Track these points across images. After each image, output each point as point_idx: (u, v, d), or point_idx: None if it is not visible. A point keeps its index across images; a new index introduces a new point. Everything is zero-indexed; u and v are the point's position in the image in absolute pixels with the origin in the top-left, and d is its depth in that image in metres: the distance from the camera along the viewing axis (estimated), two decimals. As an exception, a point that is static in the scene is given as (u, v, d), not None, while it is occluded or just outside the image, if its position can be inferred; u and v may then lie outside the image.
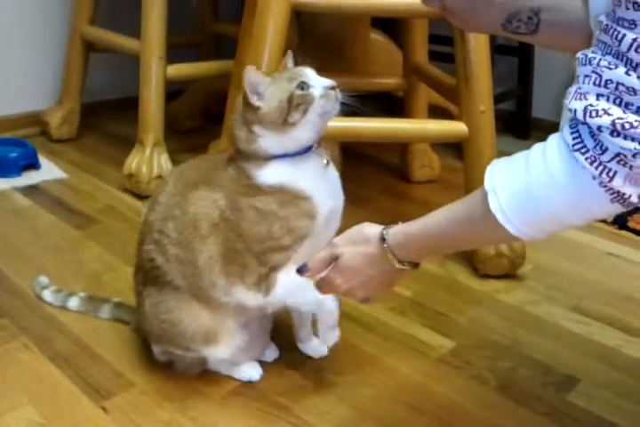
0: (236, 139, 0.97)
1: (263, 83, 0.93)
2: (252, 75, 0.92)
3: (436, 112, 2.04)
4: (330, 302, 1.00)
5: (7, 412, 1.00)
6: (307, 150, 0.97)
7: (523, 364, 1.18)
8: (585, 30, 0.82)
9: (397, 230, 0.92)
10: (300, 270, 0.97)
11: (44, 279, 1.30)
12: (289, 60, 1.01)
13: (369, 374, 1.13)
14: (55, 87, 2.20)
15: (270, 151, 0.95)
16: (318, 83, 0.94)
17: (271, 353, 1.15)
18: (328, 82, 0.95)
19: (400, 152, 2.03)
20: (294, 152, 0.96)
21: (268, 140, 0.95)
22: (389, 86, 1.91)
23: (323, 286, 0.97)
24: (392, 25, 2.23)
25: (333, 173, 1.02)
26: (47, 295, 1.27)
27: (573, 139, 0.69)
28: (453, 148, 2.18)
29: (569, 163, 0.69)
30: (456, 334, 1.26)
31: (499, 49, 2.32)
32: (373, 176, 2.03)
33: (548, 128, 2.50)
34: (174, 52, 1.85)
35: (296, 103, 0.92)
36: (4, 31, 2.09)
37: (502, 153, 2.11)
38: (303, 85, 0.93)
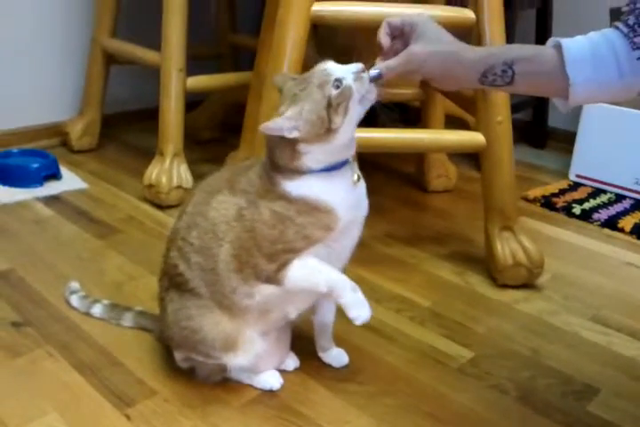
0: (276, 156, 0.95)
1: (285, 122, 0.91)
2: (269, 126, 0.91)
3: (452, 122, 2.06)
4: (344, 278, 0.98)
5: (33, 419, 1.01)
6: (342, 165, 0.97)
7: (542, 373, 1.18)
8: (560, 77, 0.88)
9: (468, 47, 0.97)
10: (374, 78, 0.94)
11: (75, 285, 1.32)
12: (286, 75, 1.00)
13: (389, 383, 1.14)
14: (76, 98, 2.24)
15: (311, 166, 0.95)
16: (345, 72, 0.92)
17: (291, 362, 1.16)
18: (354, 67, 0.92)
19: (416, 162, 2.04)
20: (331, 166, 0.96)
21: (313, 155, 0.94)
22: (406, 97, 1.92)
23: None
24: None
25: (362, 188, 1.02)
26: (74, 300, 1.29)
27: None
28: (470, 157, 2.19)
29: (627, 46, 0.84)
30: (475, 343, 1.26)
31: (515, 59, 2.33)
32: (389, 186, 2.04)
33: (565, 137, 2.51)
34: (193, 64, 1.88)
35: (336, 104, 0.91)
36: (25, 43, 2.12)
37: (519, 163, 2.13)
38: (337, 83, 0.91)
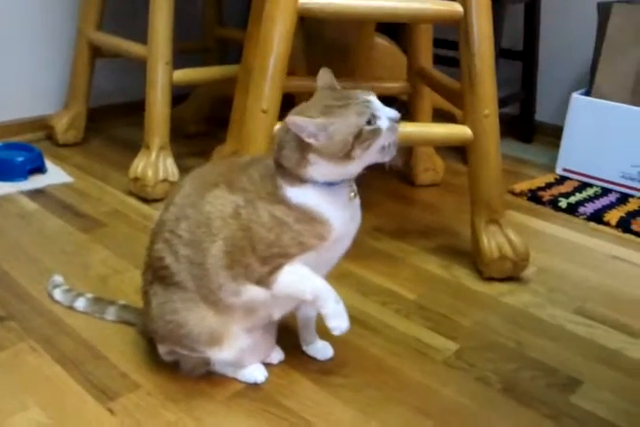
0: (284, 158, 0.95)
1: (312, 124, 0.90)
2: (296, 121, 0.90)
3: (440, 116, 2.06)
4: (329, 290, 0.99)
5: (14, 413, 1.00)
6: (342, 181, 0.98)
7: (526, 366, 1.19)
8: None
9: None
10: None
11: (58, 278, 1.31)
12: (332, 78, 0.99)
13: (374, 376, 1.14)
14: (61, 92, 2.22)
15: (315, 178, 0.95)
16: (384, 114, 0.93)
17: (276, 355, 1.15)
18: (393, 113, 0.94)
19: (404, 156, 2.04)
20: (334, 182, 0.97)
21: (319, 168, 0.94)
22: (394, 90, 1.91)
23: None
24: (397, 29, 2.24)
25: (356, 204, 1.03)
26: (57, 294, 1.28)
27: None
28: (457, 151, 2.19)
29: None
30: (460, 336, 1.26)
31: (503, 53, 2.33)
32: (377, 180, 2.03)
33: (552, 132, 2.53)
34: (180, 58, 1.86)
35: (363, 138, 0.91)
36: (10, 36, 2.11)
37: (506, 157, 2.13)
38: (372, 119, 0.92)
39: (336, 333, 1.00)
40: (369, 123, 0.92)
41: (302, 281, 0.99)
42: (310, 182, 0.96)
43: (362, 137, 0.91)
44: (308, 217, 0.95)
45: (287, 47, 1.32)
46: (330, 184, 0.97)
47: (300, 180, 0.96)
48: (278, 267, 0.97)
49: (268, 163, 0.99)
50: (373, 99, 0.95)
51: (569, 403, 1.10)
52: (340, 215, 0.98)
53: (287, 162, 0.95)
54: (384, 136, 0.93)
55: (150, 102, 1.78)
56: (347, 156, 0.92)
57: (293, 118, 0.90)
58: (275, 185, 0.96)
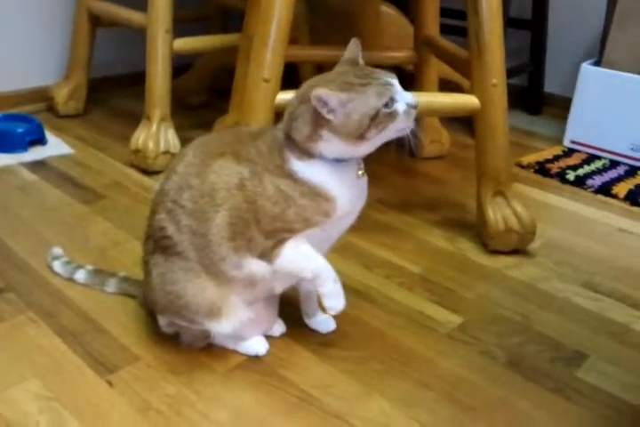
0: (296, 129, 0.93)
1: (335, 99, 0.88)
2: (322, 94, 0.87)
3: (446, 87, 2.01)
4: (329, 270, 0.99)
5: (13, 385, 0.99)
6: (350, 158, 0.97)
7: (532, 339, 1.17)
8: None
9: None
10: None
11: (57, 250, 1.30)
12: (359, 55, 0.97)
13: (376, 349, 1.12)
14: (62, 62, 2.18)
15: (324, 154, 0.93)
16: (403, 98, 0.92)
17: (278, 328, 1.14)
18: (412, 99, 0.93)
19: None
20: (343, 159, 0.95)
21: (330, 145, 0.92)
22: (400, 59, 1.87)
23: None
24: (403, -2, 2.19)
25: (364, 182, 1.01)
26: (57, 266, 1.27)
27: None
28: (462, 123, 2.16)
29: None
30: (464, 309, 1.25)
31: (512, 22, 2.28)
32: (382, 152, 1.99)
33: (560, 103, 2.48)
34: (182, 27, 1.83)
35: (379, 121, 0.90)
36: (9, 6, 2.07)
37: (513, 129, 2.10)
38: (389, 102, 0.90)
39: (332, 312, 1.02)
40: (386, 105, 0.90)
41: (304, 259, 0.99)
42: (318, 158, 0.94)
43: (378, 119, 0.90)
44: (314, 193, 0.94)
45: (289, 13, 1.28)
46: (338, 161, 0.95)
47: (309, 154, 0.94)
48: (282, 241, 0.96)
49: (277, 134, 0.97)
50: (395, 82, 0.93)
51: (574, 377, 1.08)
52: (347, 193, 0.96)
53: (298, 135, 0.93)
54: (399, 120, 0.91)
55: (150, 72, 1.75)
56: (361, 136, 0.91)
57: (319, 91, 0.87)
58: (282, 158, 0.94)
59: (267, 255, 0.97)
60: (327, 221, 0.96)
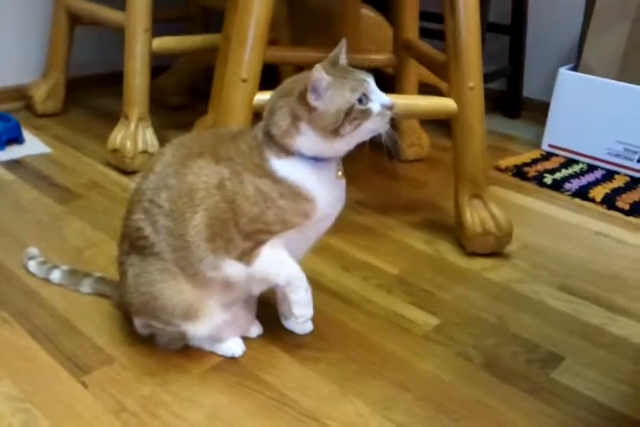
0: (274, 124, 0.93)
1: (325, 82, 0.89)
2: (318, 73, 0.88)
3: (426, 91, 2.02)
4: (302, 278, 1.00)
5: (-15, 386, 0.98)
6: (329, 158, 0.97)
7: (507, 341, 1.18)
8: None
9: None
10: None
11: (33, 250, 1.28)
12: (342, 52, 0.97)
13: (353, 350, 1.12)
14: (40, 61, 2.16)
15: (302, 150, 0.94)
16: (377, 98, 0.92)
17: (255, 329, 1.13)
18: (387, 100, 0.93)
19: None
20: (320, 158, 0.95)
21: (307, 141, 0.92)
22: (379, 62, 1.88)
23: None
24: (383, 0, 2.19)
25: (342, 184, 1.01)
26: (32, 266, 1.25)
27: None
28: (442, 126, 2.16)
29: None
30: (441, 311, 1.25)
31: (491, 27, 2.30)
32: (362, 154, 2.00)
33: (539, 108, 2.50)
34: (162, 27, 1.82)
35: (353, 117, 0.90)
36: (-14, 2, 2.05)
37: (492, 133, 2.11)
38: (363, 98, 0.91)
39: (301, 320, 1.03)
40: (360, 102, 0.90)
41: (279, 264, 0.99)
42: (297, 156, 0.94)
43: (352, 115, 0.90)
44: (294, 193, 0.94)
45: (268, 12, 1.28)
46: (317, 160, 0.95)
47: (287, 151, 0.94)
48: (261, 243, 0.96)
49: (257, 133, 0.97)
50: (370, 80, 0.94)
51: (550, 379, 1.09)
52: (326, 194, 0.96)
53: (276, 129, 0.93)
54: (373, 120, 0.92)
55: (129, 70, 1.74)
56: (336, 131, 0.91)
57: (318, 70, 0.88)
58: (262, 157, 0.94)
59: (245, 257, 0.96)
60: (306, 222, 0.96)
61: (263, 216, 0.94)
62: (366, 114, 0.91)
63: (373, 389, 1.04)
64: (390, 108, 0.93)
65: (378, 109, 0.92)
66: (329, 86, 0.90)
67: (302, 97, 0.90)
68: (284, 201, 0.94)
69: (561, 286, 1.37)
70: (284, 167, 0.94)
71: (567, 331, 1.22)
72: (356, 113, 0.90)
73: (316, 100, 0.90)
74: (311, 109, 0.90)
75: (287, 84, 0.96)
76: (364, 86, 0.92)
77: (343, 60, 0.98)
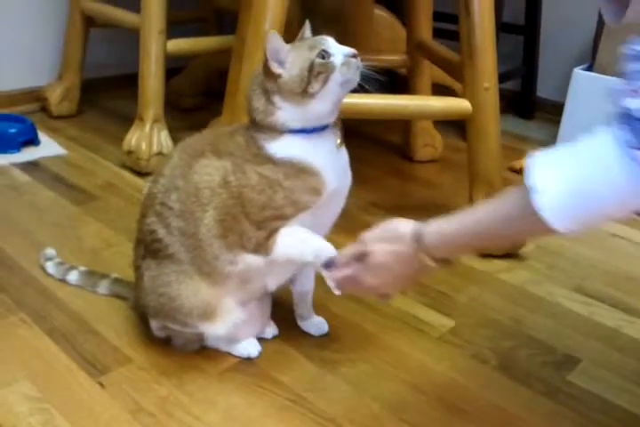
0: (253, 110, 0.95)
1: (285, 49, 0.91)
2: (274, 40, 0.90)
3: (440, 92, 2.02)
4: (329, 247, 0.97)
5: (4, 386, 0.99)
6: (323, 128, 0.96)
7: (523, 343, 1.17)
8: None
9: (433, 230, 0.88)
10: (327, 265, 0.95)
11: (50, 251, 1.29)
12: (307, 31, 0.98)
13: (369, 352, 1.12)
14: (55, 63, 2.18)
15: (288, 125, 0.94)
16: (339, 51, 0.93)
17: (270, 330, 1.14)
18: (349, 50, 0.93)
19: (402, 131, 2.01)
20: (311, 128, 0.95)
21: (286, 113, 0.93)
22: (393, 63, 1.88)
23: (348, 283, 0.95)
24: (396, 1, 2.19)
25: (344, 154, 1.01)
26: (50, 267, 1.26)
27: (630, 137, 0.68)
28: (456, 127, 2.16)
29: (625, 161, 0.69)
30: (457, 313, 1.25)
31: (504, 27, 2.29)
32: (376, 155, 2.01)
33: (553, 108, 2.47)
34: (176, 29, 1.82)
35: (317, 72, 0.91)
36: (3, 6, 2.06)
37: (506, 133, 2.10)
38: (324, 54, 0.91)
39: (337, 292, 0.98)
40: (322, 57, 0.91)
41: (301, 242, 0.97)
42: (287, 133, 0.94)
43: (314, 70, 0.91)
44: (297, 169, 0.94)
45: (282, 13, 1.29)
46: (310, 132, 0.95)
47: (276, 130, 0.94)
48: (275, 230, 0.96)
49: (248, 126, 0.98)
50: (329, 38, 0.95)
51: (565, 381, 1.09)
52: (330, 165, 0.96)
53: (257, 113, 0.94)
54: (339, 71, 0.92)
55: (143, 73, 1.75)
56: (305, 92, 0.91)
57: (273, 32, 0.90)
58: (257, 146, 0.95)
59: (262, 247, 0.96)
60: (317, 200, 0.95)
61: (272, 202, 0.94)
62: (329, 66, 0.91)
63: (388, 390, 1.04)
64: (354, 55, 0.93)
65: (341, 60, 0.92)
66: (289, 51, 0.92)
67: (266, 67, 0.92)
68: (290, 181, 0.93)
69: (577, 287, 1.36)
70: (279, 147, 0.94)
71: (583, 333, 1.21)
72: (318, 68, 0.91)
73: (278, 67, 0.91)
74: (277, 77, 0.91)
75: (256, 72, 0.97)
76: (322, 43, 0.93)
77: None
